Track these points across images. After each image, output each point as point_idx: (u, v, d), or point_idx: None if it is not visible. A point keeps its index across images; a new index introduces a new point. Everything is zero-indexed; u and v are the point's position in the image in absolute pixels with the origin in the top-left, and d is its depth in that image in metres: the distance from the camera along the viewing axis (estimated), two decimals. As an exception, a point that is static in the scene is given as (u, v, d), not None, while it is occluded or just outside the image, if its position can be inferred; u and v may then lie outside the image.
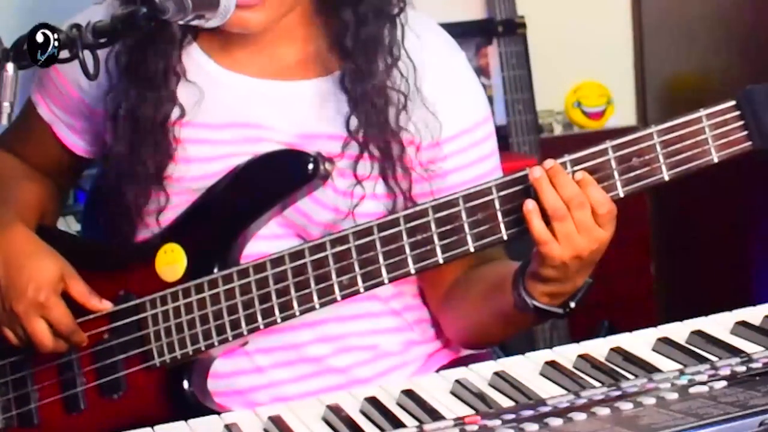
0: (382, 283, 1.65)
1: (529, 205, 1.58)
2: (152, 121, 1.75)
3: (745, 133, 1.57)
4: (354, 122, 1.72)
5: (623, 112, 3.71)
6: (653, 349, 1.60)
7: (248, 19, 1.66)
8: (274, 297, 1.68)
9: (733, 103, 1.58)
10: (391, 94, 1.73)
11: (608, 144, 1.59)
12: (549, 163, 1.59)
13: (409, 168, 1.74)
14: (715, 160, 1.58)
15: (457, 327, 1.84)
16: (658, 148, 1.59)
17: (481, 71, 3.56)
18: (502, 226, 1.61)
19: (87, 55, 1.51)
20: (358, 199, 1.72)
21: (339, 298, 1.66)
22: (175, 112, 1.76)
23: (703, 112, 1.58)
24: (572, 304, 1.66)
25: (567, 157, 1.60)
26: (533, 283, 1.63)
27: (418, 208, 1.64)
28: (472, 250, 1.62)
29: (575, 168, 1.59)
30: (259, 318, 1.69)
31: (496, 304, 1.71)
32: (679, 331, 1.63)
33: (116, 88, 1.78)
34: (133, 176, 1.76)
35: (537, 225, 1.57)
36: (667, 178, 1.59)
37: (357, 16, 1.73)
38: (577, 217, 1.57)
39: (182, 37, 1.77)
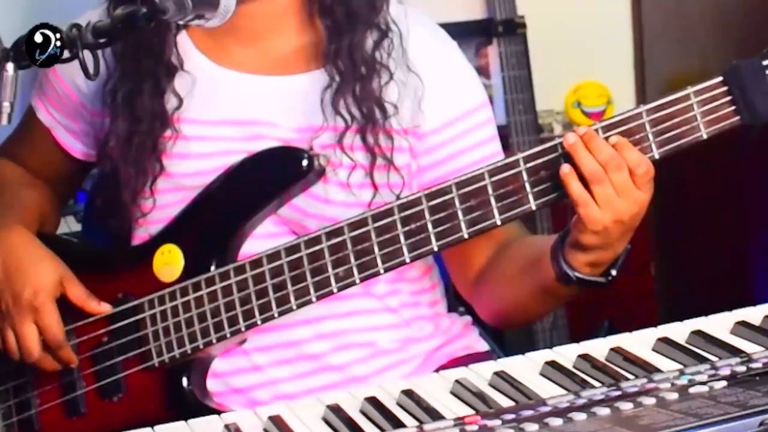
0: (378, 274, 1.66)
1: (565, 168, 1.57)
2: (149, 109, 1.75)
3: (733, 108, 1.58)
4: (346, 108, 1.73)
5: (623, 112, 3.71)
6: (653, 349, 1.60)
7: None
8: (271, 292, 1.68)
9: (720, 79, 1.58)
10: (377, 67, 1.74)
11: (598, 125, 1.60)
12: (582, 129, 1.59)
13: (391, 134, 1.74)
14: (704, 137, 1.59)
15: (495, 308, 1.83)
16: (647, 126, 1.59)
17: (481, 71, 3.56)
18: (495, 211, 1.62)
19: (87, 55, 1.51)
20: (348, 170, 1.72)
21: (335, 290, 1.66)
22: (174, 102, 1.76)
23: (690, 90, 1.59)
24: (614, 272, 1.66)
25: (558, 140, 1.61)
26: (574, 253, 1.63)
27: (411, 197, 1.65)
28: (466, 236, 1.63)
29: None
30: (257, 314, 1.69)
31: (535, 279, 1.70)
32: (679, 331, 1.63)
33: (112, 77, 1.78)
34: (130, 166, 1.76)
35: (575, 187, 1.57)
36: (657, 156, 1.60)
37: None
38: (615, 180, 1.56)
39: (176, 26, 1.77)
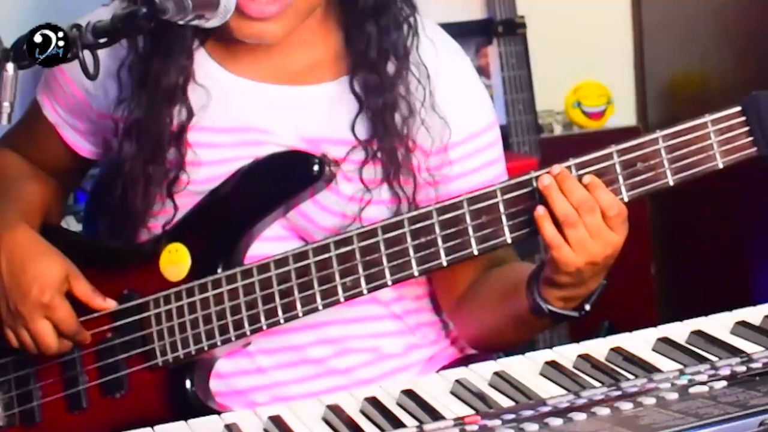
0: (385, 285, 1.65)
1: (540, 210, 1.57)
2: (165, 129, 1.75)
3: (751, 139, 1.57)
4: (361, 127, 1.73)
5: (623, 112, 3.71)
6: (653, 349, 1.60)
7: (265, 31, 1.66)
8: (277, 298, 1.68)
9: (738, 108, 1.57)
10: (400, 102, 1.73)
11: (613, 148, 1.59)
12: (556, 169, 1.58)
13: (414, 173, 1.74)
14: (720, 166, 1.58)
15: (472, 330, 1.84)
16: (663, 153, 1.58)
17: (481, 71, 3.56)
18: (506, 229, 1.61)
19: (87, 55, 1.51)
20: (364, 204, 1.72)
21: (342, 299, 1.66)
22: (184, 115, 1.76)
23: (708, 118, 1.58)
24: (587, 307, 1.66)
25: (572, 161, 1.59)
26: (548, 289, 1.63)
27: (422, 211, 1.64)
28: (476, 252, 1.62)
29: (580, 172, 1.59)
30: (262, 318, 1.69)
31: (510, 308, 1.71)
32: (679, 331, 1.63)
33: (129, 97, 1.77)
34: (143, 182, 1.75)
35: (549, 230, 1.57)
36: (671, 183, 1.59)
37: (379, 28, 1.73)
38: (588, 222, 1.56)
39: (192, 43, 1.77)
